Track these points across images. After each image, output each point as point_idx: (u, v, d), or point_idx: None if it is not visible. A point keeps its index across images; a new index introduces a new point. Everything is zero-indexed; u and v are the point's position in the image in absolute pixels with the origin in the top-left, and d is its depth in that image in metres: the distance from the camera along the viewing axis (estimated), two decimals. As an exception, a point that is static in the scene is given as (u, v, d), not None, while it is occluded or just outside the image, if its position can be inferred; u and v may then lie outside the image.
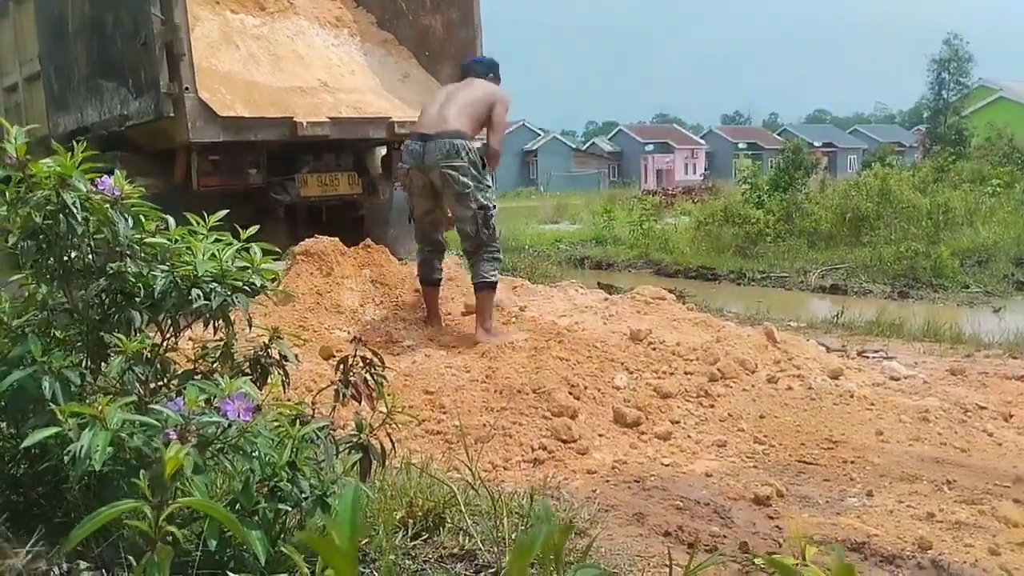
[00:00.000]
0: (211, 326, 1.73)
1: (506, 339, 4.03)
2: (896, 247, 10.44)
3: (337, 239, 4.92)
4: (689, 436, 3.25)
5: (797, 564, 0.98)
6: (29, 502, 1.60)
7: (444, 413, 3.34)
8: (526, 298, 5.15)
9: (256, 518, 1.45)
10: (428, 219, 4.46)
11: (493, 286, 4.30)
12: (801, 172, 15.52)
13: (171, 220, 1.73)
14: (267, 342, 1.78)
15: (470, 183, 4.18)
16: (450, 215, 4.40)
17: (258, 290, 1.71)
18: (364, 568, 1.80)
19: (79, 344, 1.69)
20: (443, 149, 4.14)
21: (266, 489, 1.48)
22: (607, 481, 2.83)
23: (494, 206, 4.35)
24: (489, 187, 4.30)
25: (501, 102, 4.42)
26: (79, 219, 1.58)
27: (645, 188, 31.02)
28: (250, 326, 1.81)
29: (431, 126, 4.26)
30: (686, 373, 3.80)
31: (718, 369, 3.80)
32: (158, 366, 1.70)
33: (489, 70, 4.69)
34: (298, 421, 1.55)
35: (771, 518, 2.53)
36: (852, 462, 2.99)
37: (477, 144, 4.35)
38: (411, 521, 2.03)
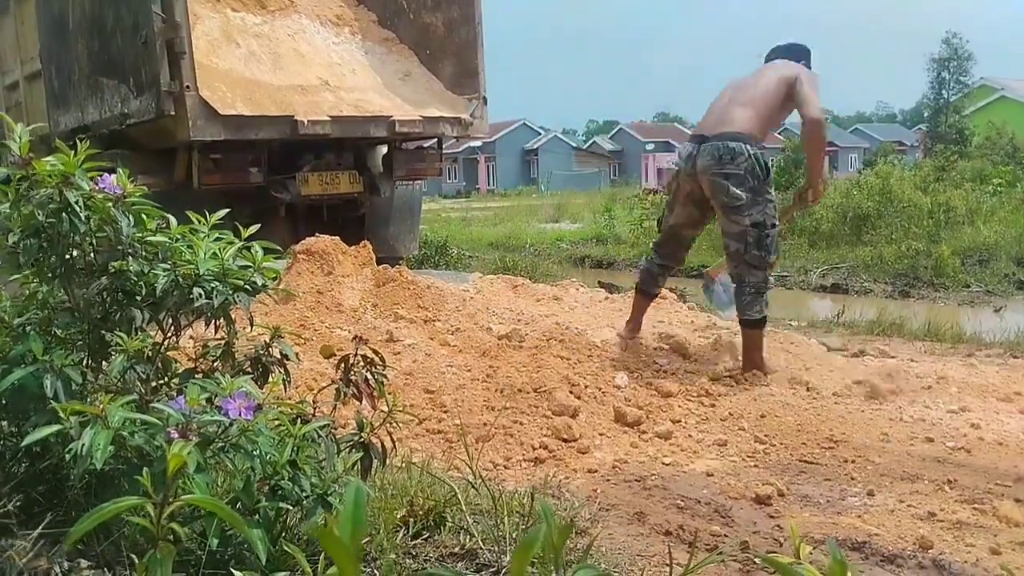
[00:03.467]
0: (212, 325, 1.73)
1: (774, 373, 3.72)
2: (897, 246, 10.44)
3: (338, 238, 4.93)
4: (690, 435, 3.25)
5: (794, 563, 0.98)
6: (30, 500, 1.60)
7: (445, 412, 3.34)
8: (527, 297, 5.16)
9: (257, 517, 1.45)
10: (681, 233, 4.02)
11: (759, 323, 3.78)
12: (801, 171, 15.50)
13: (172, 219, 1.73)
14: (268, 341, 1.78)
15: (743, 195, 3.63)
16: (720, 230, 3.88)
17: (259, 289, 1.71)
18: (365, 567, 1.80)
19: (80, 343, 1.69)
20: (716, 153, 3.64)
21: (267, 488, 1.48)
22: (608, 480, 2.84)
23: (774, 224, 3.74)
24: (770, 201, 3.74)
25: (801, 76, 3.80)
26: (81, 217, 1.58)
27: (646, 187, 30.99)
28: (251, 325, 1.81)
29: (711, 126, 3.78)
30: (687, 372, 3.80)
31: (719, 368, 3.80)
32: (159, 365, 1.70)
33: (800, 57, 4.07)
34: (299, 420, 1.55)
35: (772, 517, 2.53)
36: (853, 461, 2.99)
37: (768, 147, 3.80)
38: (412, 520, 2.03)
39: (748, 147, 3.66)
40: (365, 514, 0.72)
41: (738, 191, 3.63)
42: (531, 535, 0.79)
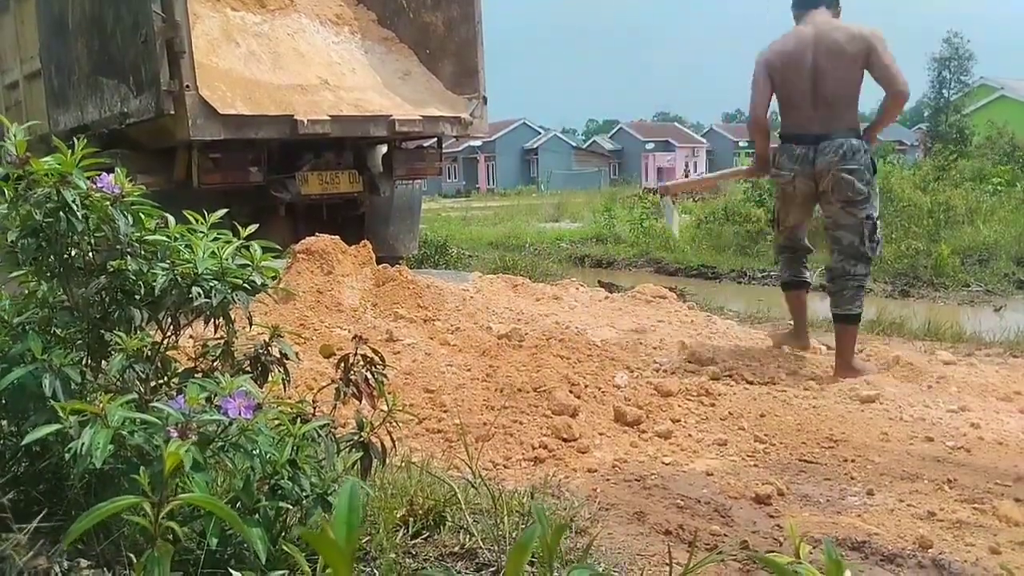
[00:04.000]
0: (212, 324, 1.73)
1: (871, 375, 3.72)
2: (897, 245, 10.43)
3: (338, 237, 4.92)
4: (690, 435, 3.25)
5: (793, 563, 0.98)
6: (30, 500, 1.60)
7: (445, 411, 3.34)
8: (527, 297, 5.16)
9: (257, 516, 1.44)
10: (798, 228, 4.05)
11: (857, 319, 3.83)
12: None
13: (171, 218, 1.73)
14: (268, 340, 1.77)
15: (865, 189, 3.71)
16: (828, 222, 3.90)
17: (259, 288, 1.71)
18: (365, 566, 1.79)
19: (79, 342, 1.69)
20: (839, 150, 3.68)
21: (267, 487, 1.48)
22: (608, 480, 2.83)
23: (880, 218, 3.85)
24: (877, 195, 3.83)
25: (873, 42, 3.68)
26: (79, 217, 1.58)
27: (646, 186, 31.00)
28: (251, 324, 1.81)
29: (817, 125, 3.75)
30: (687, 371, 3.80)
31: (718, 368, 3.80)
32: (159, 364, 1.70)
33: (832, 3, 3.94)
34: (299, 419, 1.55)
35: (772, 517, 2.53)
36: (853, 461, 2.99)
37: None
38: (412, 519, 2.03)
39: (863, 143, 3.74)
40: (360, 516, 0.72)
41: (861, 185, 3.70)
42: (526, 536, 0.79)
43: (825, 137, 3.73)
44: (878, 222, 3.79)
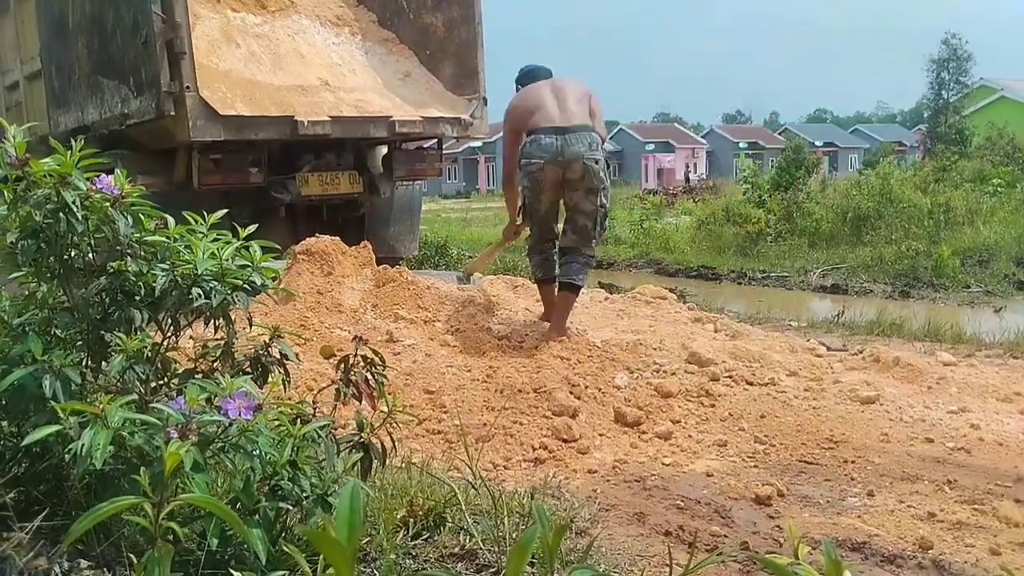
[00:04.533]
0: (212, 325, 1.73)
1: (573, 337, 4.02)
2: (897, 247, 10.44)
3: (338, 238, 4.92)
4: (690, 436, 3.25)
5: (792, 564, 0.98)
6: (30, 500, 1.60)
7: (445, 412, 3.34)
8: (527, 298, 5.15)
9: (257, 517, 1.44)
10: (551, 215, 4.35)
11: (578, 290, 4.25)
12: (802, 171, 15.52)
13: (171, 219, 1.73)
14: (268, 341, 1.78)
15: (605, 180, 4.13)
16: (570, 207, 4.25)
17: (258, 289, 1.71)
18: (365, 567, 1.79)
19: (80, 343, 1.69)
20: (586, 141, 4.04)
21: (267, 488, 1.48)
22: (608, 480, 2.83)
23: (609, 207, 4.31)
24: (609, 189, 4.24)
25: (595, 95, 4.35)
26: (79, 218, 1.58)
27: (646, 187, 31.00)
28: (251, 325, 1.81)
29: (561, 119, 4.11)
30: (687, 372, 3.80)
31: (719, 368, 3.80)
32: (159, 365, 1.70)
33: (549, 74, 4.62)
34: (299, 420, 1.55)
35: (772, 518, 2.53)
36: (853, 462, 2.99)
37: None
38: (412, 520, 2.03)
39: (599, 138, 4.15)
40: (360, 516, 0.72)
41: (603, 175, 4.12)
42: (526, 537, 0.79)
43: (571, 130, 4.06)
44: (607, 211, 4.24)
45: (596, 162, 4.06)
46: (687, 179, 30.73)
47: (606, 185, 4.14)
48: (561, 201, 4.29)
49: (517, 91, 4.56)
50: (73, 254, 1.66)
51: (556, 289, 4.29)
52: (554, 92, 4.26)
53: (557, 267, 4.35)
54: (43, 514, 1.49)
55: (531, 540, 0.79)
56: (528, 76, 4.56)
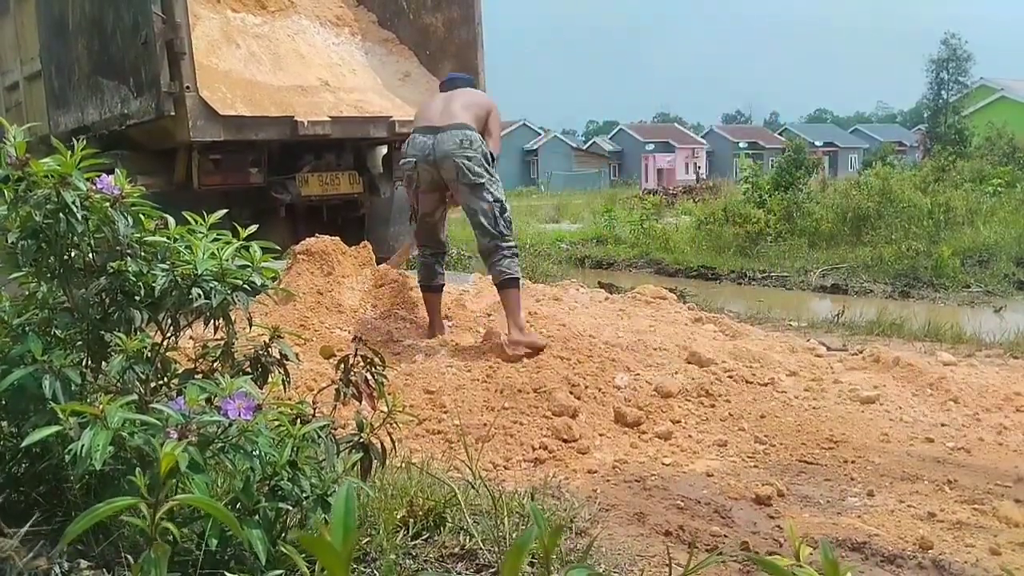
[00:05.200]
0: (211, 325, 1.73)
1: (536, 340, 3.89)
2: (897, 247, 10.43)
3: (338, 238, 4.92)
4: (690, 436, 3.25)
5: (792, 565, 0.98)
6: (30, 501, 1.60)
7: (445, 412, 3.34)
8: (527, 298, 5.15)
9: (257, 517, 1.44)
10: (432, 218, 4.33)
11: (517, 282, 4.16)
12: (802, 172, 15.50)
13: (171, 219, 1.73)
14: (268, 341, 1.78)
15: (484, 174, 4.06)
16: (461, 209, 4.24)
17: (258, 289, 1.71)
18: (365, 567, 1.79)
19: (79, 343, 1.69)
20: (456, 139, 4.01)
21: (267, 488, 1.48)
22: (608, 480, 2.83)
23: (505, 200, 4.25)
24: (498, 181, 4.18)
25: (495, 109, 4.35)
26: (79, 218, 1.58)
27: (646, 187, 30.99)
28: (250, 325, 1.81)
29: (439, 119, 4.12)
30: (687, 373, 3.79)
31: (719, 368, 3.80)
32: (159, 365, 1.70)
33: (471, 84, 4.66)
34: (299, 420, 1.55)
35: (772, 518, 2.53)
36: (853, 462, 2.99)
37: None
38: (412, 520, 2.03)
39: (477, 135, 4.08)
40: (355, 519, 0.72)
41: (480, 170, 4.04)
42: (522, 539, 0.79)
43: (442, 130, 4.07)
44: (507, 205, 4.17)
45: (469, 159, 4.01)
46: (697, 178, 30.63)
47: (488, 178, 4.06)
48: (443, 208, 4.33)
49: None
50: (73, 254, 1.66)
51: (498, 290, 4.16)
52: (446, 98, 4.28)
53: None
54: (42, 517, 1.49)
55: (527, 543, 0.79)
56: (446, 84, 4.56)
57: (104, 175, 1.65)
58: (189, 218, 1.73)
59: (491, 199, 4.08)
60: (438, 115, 4.16)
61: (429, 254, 4.37)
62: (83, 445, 1.28)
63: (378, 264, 5.04)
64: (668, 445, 3.17)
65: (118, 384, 1.60)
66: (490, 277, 4.26)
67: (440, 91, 4.53)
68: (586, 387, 3.52)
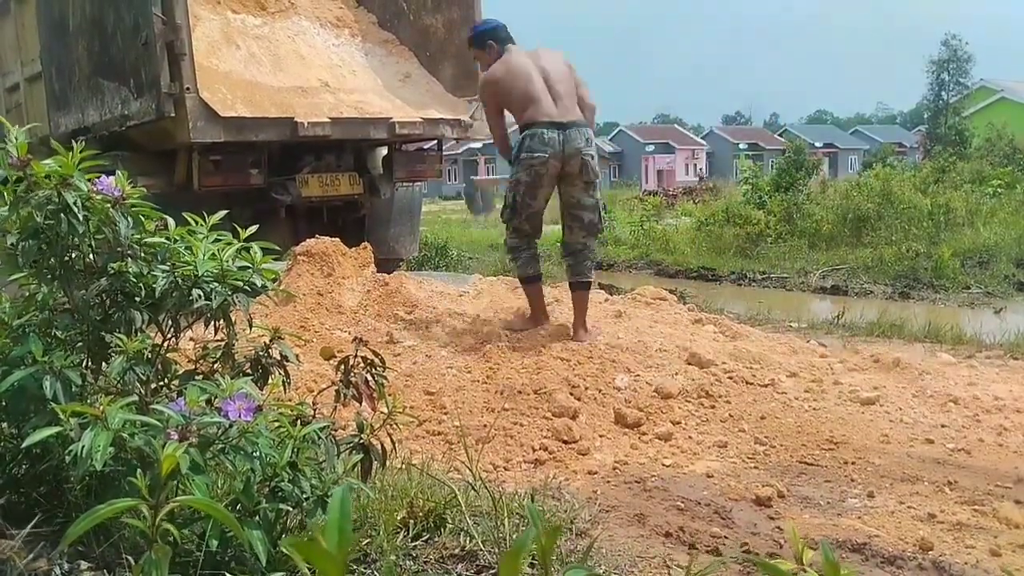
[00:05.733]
0: (212, 326, 1.73)
1: (600, 337, 4.09)
2: (897, 248, 10.43)
3: (338, 239, 4.92)
4: (690, 437, 3.25)
5: (795, 569, 0.98)
6: (30, 502, 1.60)
7: (445, 414, 3.34)
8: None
9: (257, 518, 1.45)
10: (540, 213, 4.36)
11: (591, 285, 4.37)
12: (802, 173, 15.50)
13: (171, 220, 1.73)
14: (268, 342, 1.78)
15: (599, 173, 4.26)
16: (571, 203, 4.26)
17: (259, 290, 1.71)
18: (365, 568, 1.79)
19: (80, 344, 1.69)
20: (584, 137, 4.14)
21: (267, 489, 1.48)
22: (608, 482, 2.83)
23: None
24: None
25: (574, 69, 4.40)
26: (80, 219, 1.58)
27: (646, 188, 31.00)
28: (251, 326, 1.81)
29: (560, 115, 4.15)
30: (687, 374, 3.79)
31: (719, 369, 3.80)
32: (159, 366, 1.70)
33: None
34: (299, 421, 1.56)
35: (772, 519, 2.53)
36: (853, 463, 2.99)
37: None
38: (412, 522, 2.03)
39: (593, 134, 4.26)
40: (351, 522, 0.72)
41: (598, 169, 4.23)
42: (520, 540, 0.79)
43: (569, 125, 4.14)
44: (605, 205, 4.32)
45: (592, 156, 4.18)
46: (700, 179, 30.70)
47: (600, 179, 4.27)
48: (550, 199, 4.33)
49: (482, 48, 4.42)
50: (74, 255, 1.66)
51: (571, 289, 4.28)
52: (543, 77, 4.22)
53: (565, 267, 4.38)
54: (39, 518, 1.49)
55: (523, 546, 0.79)
56: (490, 34, 4.41)
57: (104, 176, 1.65)
58: (189, 219, 1.73)
59: (599, 197, 4.29)
60: (556, 110, 4.17)
61: (536, 246, 4.45)
62: (83, 446, 1.28)
63: (377, 267, 5.04)
64: (668, 446, 3.17)
65: (118, 385, 1.61)
66: (567, 271, 4.32)
67: (500, 40, 4.37)
68: (586, 388, 3.52)
